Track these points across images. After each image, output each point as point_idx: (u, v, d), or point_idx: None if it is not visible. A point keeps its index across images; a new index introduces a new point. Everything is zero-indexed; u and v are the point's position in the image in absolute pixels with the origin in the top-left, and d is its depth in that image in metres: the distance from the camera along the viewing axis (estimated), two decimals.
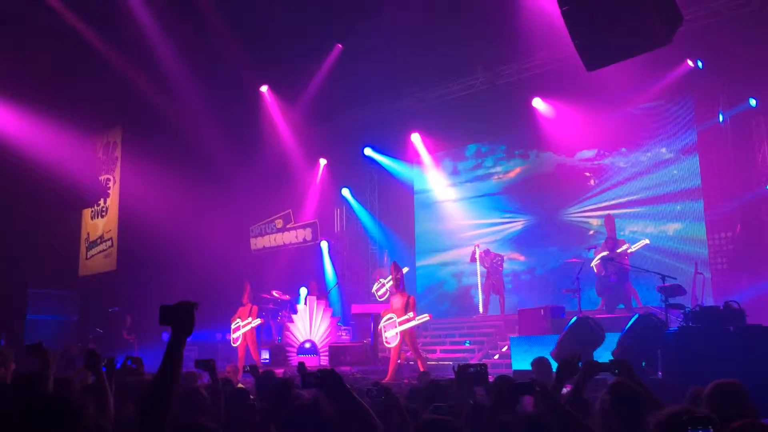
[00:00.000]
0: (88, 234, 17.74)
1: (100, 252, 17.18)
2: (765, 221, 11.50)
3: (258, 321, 12.11)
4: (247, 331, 11.89)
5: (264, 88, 16.24)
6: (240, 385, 6.27)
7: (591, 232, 13.74)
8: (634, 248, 12.29)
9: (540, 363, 6.43)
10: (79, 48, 13.91)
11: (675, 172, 13.16)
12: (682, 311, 7.39)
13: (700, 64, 12.17)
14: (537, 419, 3.02)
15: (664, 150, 13.38)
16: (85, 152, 16.62)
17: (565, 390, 4.09)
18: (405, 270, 10.69)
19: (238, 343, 11.96)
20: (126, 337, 14.85)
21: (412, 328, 9.99)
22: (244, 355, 11.93)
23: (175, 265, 15.36)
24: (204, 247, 15.49)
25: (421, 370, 9.72)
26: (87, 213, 17.78)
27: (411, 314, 9.88)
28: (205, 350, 13.18)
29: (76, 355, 11.68)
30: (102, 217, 17.36)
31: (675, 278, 9.63)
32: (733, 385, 3.46)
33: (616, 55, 6.17)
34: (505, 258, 14.68)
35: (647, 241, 12.58)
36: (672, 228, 13.09)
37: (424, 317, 10.76)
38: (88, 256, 17.56)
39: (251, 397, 4.88)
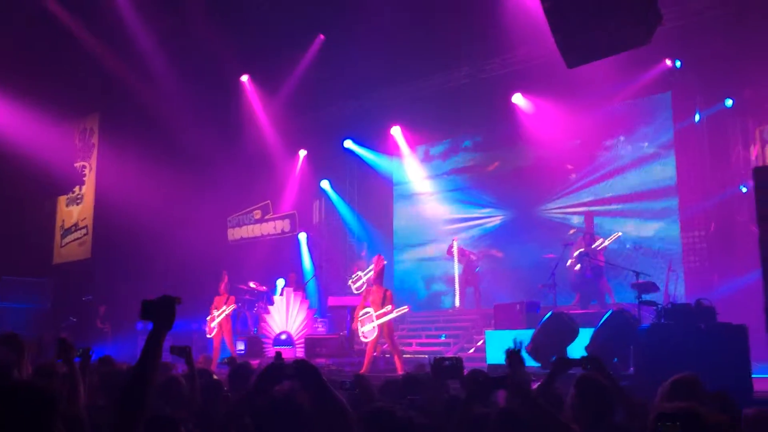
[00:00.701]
0: (63, 221, 17.53)
1: (75, 240, 16.99)
2: (738, 221, 11.67)
3: (232, 307, 12.04)
4: (223, 321, 11.84)
5: (245, 78, 16.12)
6: (214, 377, 6.24)
7: (572, 231, 13.66)
8: (607, 242, 12.43)
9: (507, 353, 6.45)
10: (57, 33, 13.71)
11: (652, 169, 13.29)
12: (655, 308, 7.48)
13: (678, 63, 12.30)
14: (511, 413, 3.05)
15: (642, 147, 13.51)
16: (61, 138, 16.39)
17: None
18: (384, 263, 10.69)
19: (213, 333, 11.91)
20: (99, 326, 14.71)
21: (390, 321, 10.00)
22: (220, 345, 11.88)
23: (151, 255, 15.24)
24: (181, 237, 15.38)
25: (398, 363, 9.74)
26: (62, 200, 17.56)
27: (389, 307, 9.88)
28: (180, 340, 13.05)
29: (49, 344, 11.54)
30: (77, 204, 17.15)
31: (649, 275, 9.75)
32: (690, 378, 3.51)
33: (597, 52, 6.23)
34: (482, 254, 14.78)
35: (619, 234, 12.72)
36: (647, 225, 13.23)
37: (403, 309, 10.76)
38: (63, 244, 17.35)
39: (225, 388, 4.86)
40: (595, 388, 3.33)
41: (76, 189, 17.09)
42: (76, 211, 17.15)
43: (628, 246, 13.13)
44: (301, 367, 2.89)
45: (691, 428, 2.27)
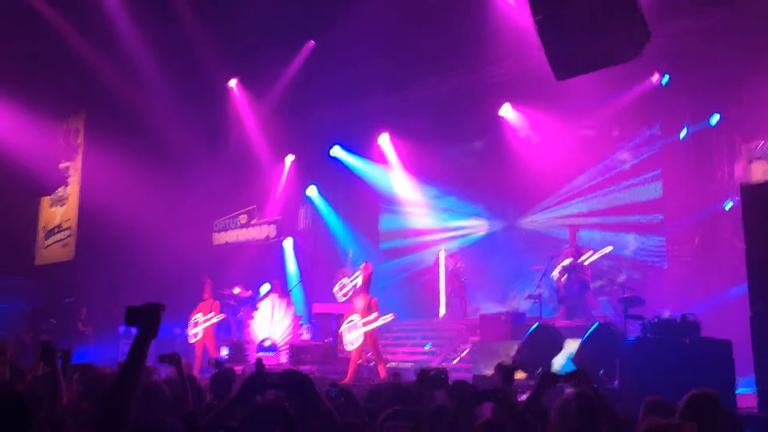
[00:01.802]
0: (46, 222, 17.36)
1: (58, 241, 16.82)
2: (722, 237, 11.74)
3: (221, 316, 11.99)
4: (207, 327, 11.75)
5: (233, 82, 16.06)
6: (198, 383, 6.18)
7: (566, 247, 13.54)
8: (596, 255, 12.28)
9: (501, 369, 6.44)
10: (44, 31, 13.61)
11: (639, 183, 13.36)
12: (641, 322, 7.50)
13: (665, 79, 12.39)
14: (498, 426, 3.04)
15: (629, 161, 13.57)
16: (46, 138, 16.26)
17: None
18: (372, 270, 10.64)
19: (196, 338, 11.80)
20: (81, 328, 14.55)
21: (374, 329, 9.95)
22: (202, 352, 11.77)
23: (134, 257, 15.10)
24: (165, 240, 15.25)
25: (381, 372, 9.70)
26: (45, 201, 17.40)
27: (375, 314, 9.84)
28: (162, 345, 12.90)
29: (28, 346, 11.42)
30: (61, 205, 16.99)
31: (634, 289, 9.78)
32: (709, 395, 3.51)
33: (586, 66, 6.26)
34: (468, 263, 14.76)
35: (611, 248, 12.55)
36: (633, 239, 13.29)
37: (389, 316, 10.71)
38: (45, 245, 17.17)
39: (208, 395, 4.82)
40: (593, 405, 3.31)
41: (60, 190, 16.93)
42: (59, 212, 16.99)
43: (612, 260, 13.13)
44: (291, 377, 2.85)
45: None
